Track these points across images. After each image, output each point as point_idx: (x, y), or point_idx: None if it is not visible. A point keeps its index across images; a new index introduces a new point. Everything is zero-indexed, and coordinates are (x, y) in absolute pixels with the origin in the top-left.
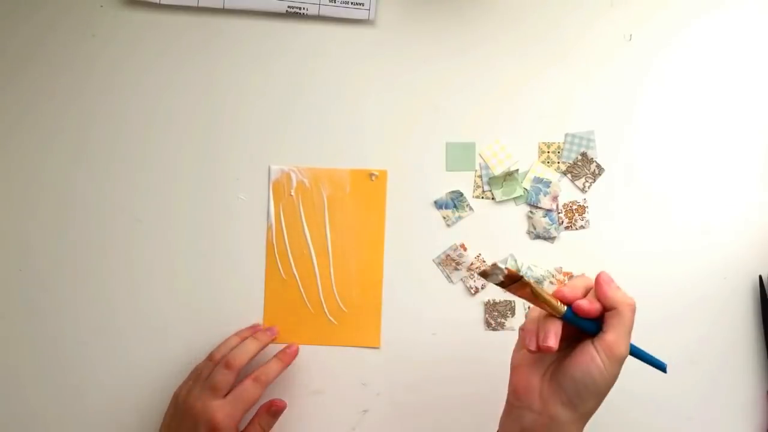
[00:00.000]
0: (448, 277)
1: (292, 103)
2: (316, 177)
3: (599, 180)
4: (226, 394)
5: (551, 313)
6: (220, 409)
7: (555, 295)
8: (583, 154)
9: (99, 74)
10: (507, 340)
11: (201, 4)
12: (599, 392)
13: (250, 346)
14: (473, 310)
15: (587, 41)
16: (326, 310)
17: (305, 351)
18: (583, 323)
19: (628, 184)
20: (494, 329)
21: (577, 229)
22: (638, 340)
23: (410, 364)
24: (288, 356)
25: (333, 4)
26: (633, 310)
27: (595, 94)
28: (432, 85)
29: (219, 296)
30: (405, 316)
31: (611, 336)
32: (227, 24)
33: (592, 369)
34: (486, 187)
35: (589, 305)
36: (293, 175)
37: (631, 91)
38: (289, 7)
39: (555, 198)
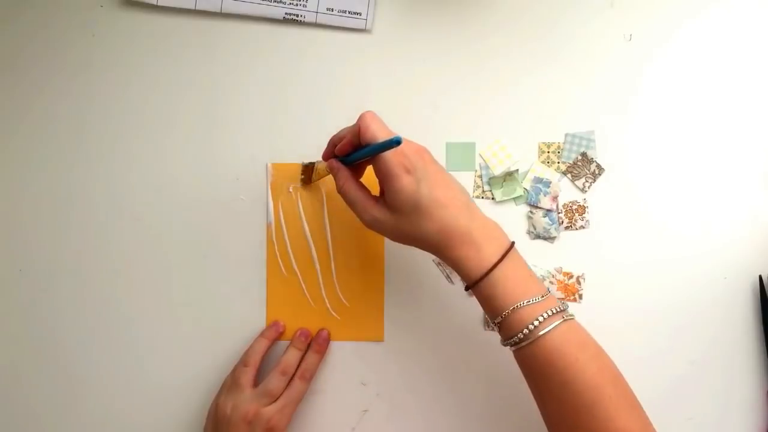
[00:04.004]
0: (448, 277)
1: (291, 104)
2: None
3: (599, 180)
4: (278, 397)
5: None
6: (275, 413)
7: (332, 163)
8: (583, 154)
9: (99, 73)
10: None
11: (198, 7)
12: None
13: (259, 344)
14: (473, 310)
15: (587, 41)
16: (328, 305)
17: None
18: (359, 154)
19: (628, 184)
20: (494, 329)
21: (577, 229)
22: (639, 340)
23: (410, 364)
24: (322, 345)
25: (330, 12)
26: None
27: (595, 94)
28: (432, 85)
29: (221, 295)
30: (405, 316)
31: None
32: (224, 27)
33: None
34: (486, 187)
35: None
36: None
37: (631, 91)
38: (286, 13)
39: (555, 198)
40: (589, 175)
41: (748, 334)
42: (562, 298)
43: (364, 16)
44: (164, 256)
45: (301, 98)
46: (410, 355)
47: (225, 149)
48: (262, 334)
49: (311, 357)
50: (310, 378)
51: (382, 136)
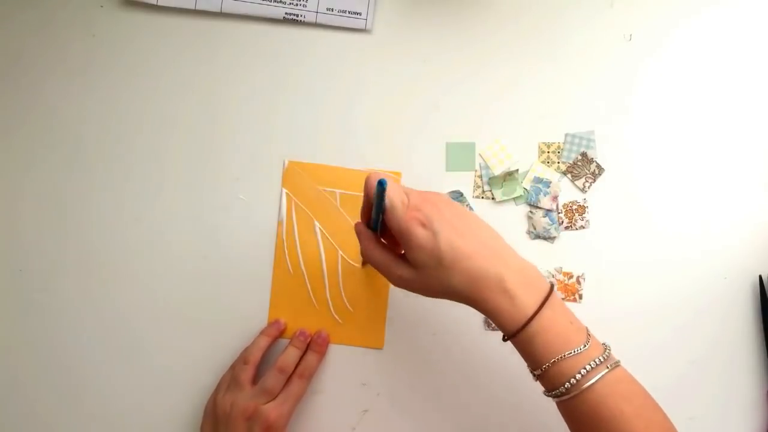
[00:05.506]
0: None
1: (291, 104)
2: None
3: (599, 180)
4: (277, 395)
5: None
6: (274, 410)
7: (357, 227)
8: (583, 154)
9: (99, 73)
10: None
11: (198, 7)
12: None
13: (260, 341)
14: (473, 310)
15: (587, 41)
16: (332, 308)
17: None
18: (374, 214)
19: (628, 184)
20: (494, 329)
21: (577, 229)
22: (639, 340)
23: (410, 364)
24: (321, 345)
25: (330, 12)
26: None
27: (595, 94)
28: (432, 85)
29: (225, 289)
30: (405, 317)
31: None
32: (224, 27)
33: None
34: (486, 187)
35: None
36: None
37: (631, 91)
38: (286, 13)
39: (555, 198)
40: (589, 175)
41: (748, 334)
42: (563, 299)
43: (364, 16)
44: (165, 256)
45: (300, 98)
46: (411, 355)
47: (225, 148)
48: (263, 332)
49: (310, 356)
50: (309, 377)
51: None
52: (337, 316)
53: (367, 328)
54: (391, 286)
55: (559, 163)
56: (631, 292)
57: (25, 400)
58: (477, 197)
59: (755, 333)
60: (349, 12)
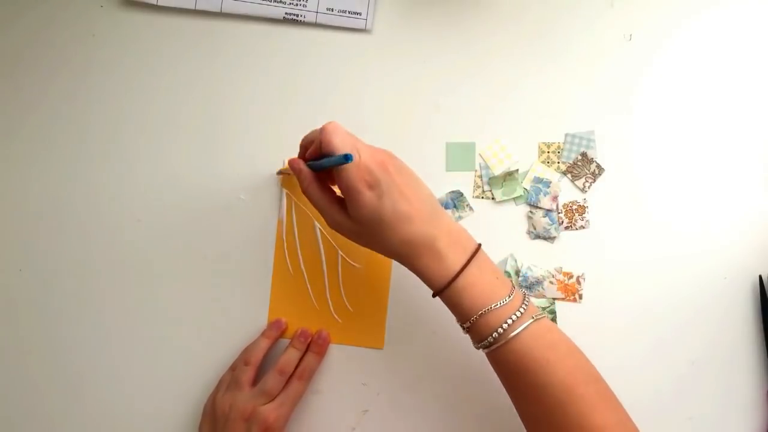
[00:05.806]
0: None
1: (291, 104)
2: None
3: (599, 180)
4: (275, 396)
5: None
6: (272, 411)
7: (294, 163)
8: (583, 154)
9: (99, 73)
10: None
11: (198, 7)
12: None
13: (261, 343)
14: None
15: (587, 41)
16: (332, 308)
17: None
18: (324, 163)
19: (628, 184)
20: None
21: (577, 229)
22: (639, 340)
23: (410, 363)
24: (321, 346)
25: (330, 12)
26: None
27: (595, 94)
28: (432, 85)
29: (225, 289)
30: (405, 317)
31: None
32: (225, 27)
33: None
34: (486, 187)
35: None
36: None
37: (632, 90)
38: (286, 13)
39: (555, 198)
40: (589, 175)
41: (748, 334)
42: (562, 299)
43: (364, 16)
44: (164, 256)
45: (301, 98)
46: (411, 354)
47: (225, 148)
48: (263, 334)
49: (310, 357)
50: (308, 378)
51: (343, 149)
52: (337, 316)
53: (367, 328)
54: (391, 287)
55: (559, 163)
56: (631, 292)
57: (25, 399)
58: (477, 197)
59: (755, 333)
60: (349, 12)
